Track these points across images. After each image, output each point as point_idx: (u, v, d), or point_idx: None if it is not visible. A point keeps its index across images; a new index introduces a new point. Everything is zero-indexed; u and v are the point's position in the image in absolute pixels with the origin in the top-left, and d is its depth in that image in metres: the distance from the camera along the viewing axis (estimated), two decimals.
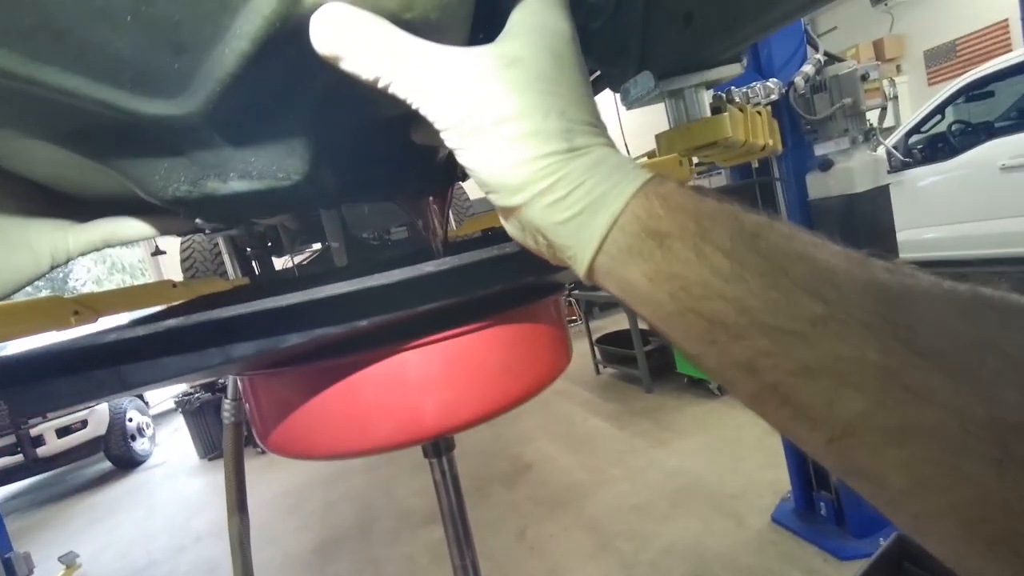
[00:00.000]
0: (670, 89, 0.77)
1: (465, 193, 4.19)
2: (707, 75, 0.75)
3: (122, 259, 14.47)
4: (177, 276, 3.48)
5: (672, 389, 4.56)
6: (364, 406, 0.46)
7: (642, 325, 5.02)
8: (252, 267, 4.16)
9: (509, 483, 3.61)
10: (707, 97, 0.79)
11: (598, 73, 1.60)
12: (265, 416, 0.51)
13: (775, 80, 1.86)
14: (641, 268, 0.28)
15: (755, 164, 2.10)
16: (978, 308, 0.22)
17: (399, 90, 0.32)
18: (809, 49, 1.89)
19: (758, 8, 0.62)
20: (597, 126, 0.33)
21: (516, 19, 0.34)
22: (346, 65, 0.32)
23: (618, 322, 6.18)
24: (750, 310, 0.25)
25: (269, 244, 4.01)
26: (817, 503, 2.37)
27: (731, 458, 3.23)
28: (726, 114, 0.81)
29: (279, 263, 4.26)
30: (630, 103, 0.81)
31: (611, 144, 0.33)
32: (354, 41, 0.31)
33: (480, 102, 0.31)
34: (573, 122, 0.31)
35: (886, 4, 7.49)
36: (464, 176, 3.15)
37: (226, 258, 3.09)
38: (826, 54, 1.84)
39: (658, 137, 0.83)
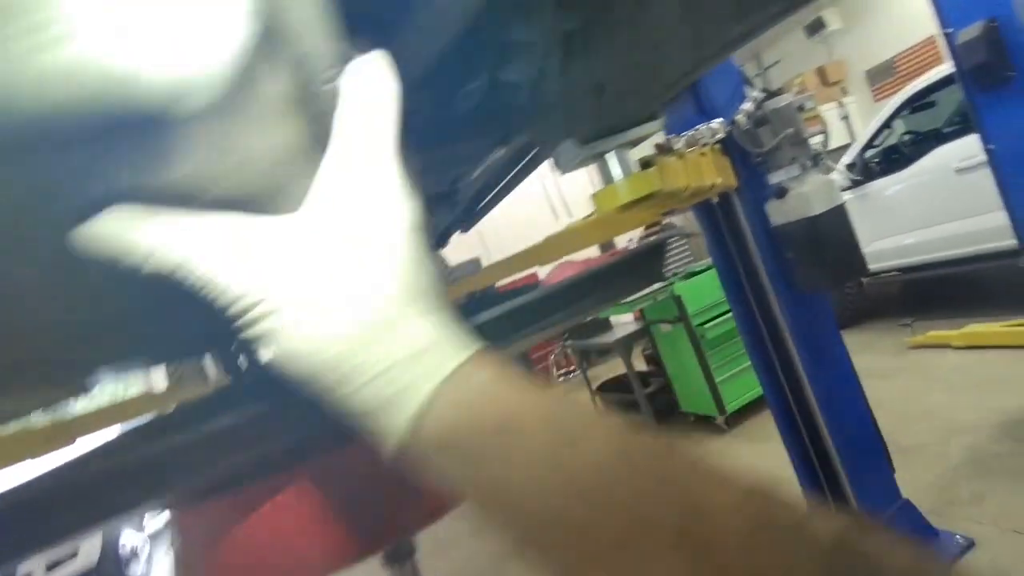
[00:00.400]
0: (593, 153, 0.80)
1: (444, 261, 4.25)
2: (627, 136, 0.78)
3: None
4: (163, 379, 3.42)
5: (679, 428, 4.44)
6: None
7: (639, 367, 4.97)
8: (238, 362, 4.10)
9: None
10: (631, 156, 0.81)
11: (535, 151, 1.66)
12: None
13: (719, 120, 1.94)
14: (445, 467, 0.27)
15: (715, 199, 2.15)
16: (761, 529, 0.23)
17: (192, 277, 0.27)
18: (747, 88, 1.99)
19: (658, 75, 0.65)
20: (418, 299, 0.29)
21: (328, 176, 0.30)
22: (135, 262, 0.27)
23: (615, 367, 6.12)
24: (553, 528, 0.25)
25: None
26: None
27: None
28: (653, 168, 0.84)
29: None
30: (562, 169, 0.84)
31: (437, 314, 0.29)
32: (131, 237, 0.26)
33: (279, 283, 0.27)
34: (388, 297, 0.28)
35: (820, 35, 8.00)
36: (441, 244, 3.13)
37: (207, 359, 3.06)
38: (764, 90, 1.94)
39: (593, 197, 0.85)
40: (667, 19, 0.61)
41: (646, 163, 0.94)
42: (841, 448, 2.15)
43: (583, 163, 0.83)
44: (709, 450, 3.86)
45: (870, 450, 2.24)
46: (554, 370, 7.52)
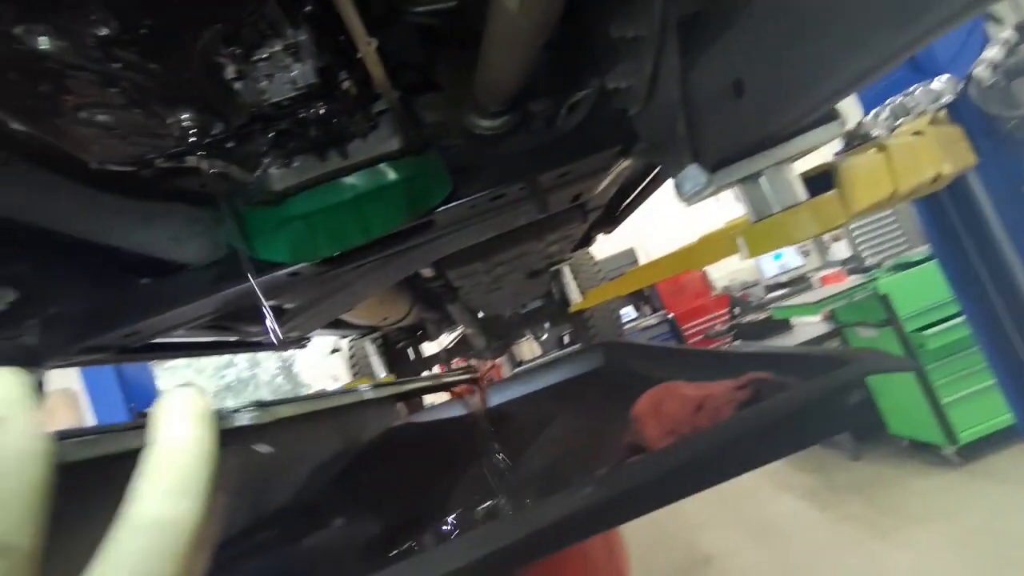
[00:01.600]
0: (737, 178, 0.57)
1: (591, 257, 4.06)
2: (785, 150, 0.54)
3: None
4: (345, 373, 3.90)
5: (887, 455, 3.62)
6: None
7: None
8: (406, 355, 4.50)
9: None
10: (795, 174, 0.56)
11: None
12: None
13: (945, 77, 1.43)
14: None
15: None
16: None
17: None
18: (989, 26, 1.42)
19: (830, 66, 0.41)
20: None
21: None
22: None
23: None
24: None
25: (419, 333, 4.33)
26: None
27: (989, 558, 2.35)
28: (833, 193, 0.57)
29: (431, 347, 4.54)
30: (686, 199, 0.62)
31: None
32: None
33: None
34: None
35: None
36: (584, 245, 3.00)
37: (373, 359, 3.38)
38: (1019, 27, 1.36)
39: (739, 240, 0.61)
40: None
41: (821, 173, 0.67)
42: None
43: (719, 191, 0.60)
44: (934, 487, 3.05)
45: None
46: None
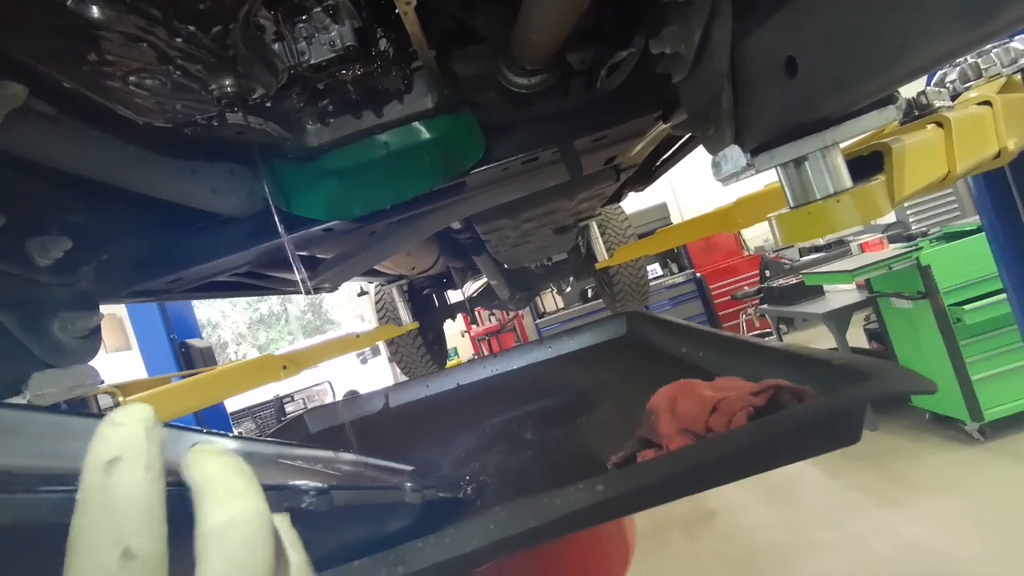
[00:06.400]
0: (780, 162, 0.54)
1: (622, 212, 3.98)
2: (833, 134, 0.51)
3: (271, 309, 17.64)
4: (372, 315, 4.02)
5: (906, 427, 3.60)
6: None
7: (855, 342, 4.12)
8: (432, 302, 4.59)
9: (689, 532, 3.25)
10: (841, 159, 0.54)
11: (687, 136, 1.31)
12: None
13: None
14: None
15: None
16: None
17: None
18: None
19: (900, 50, 0.38)
20: None
21: None
22: None
23: (821, 336, 5.18)
24: None
25: (444, 281, 4.39)
26: None
27: (1000, 536, 2.37)
28: (879, 180, 0.54)
29: (455, 295, 4.61)
30: (722, 179, 0.60)
31: None
32: None
33: None
34: None
35: None
36: (614, 200, 2.94)
37: (399, 305, 3.46)
38: None
39: (773, 221, 0.60)
40: None
41: (871, 152, 0.63)
42: None
43: (759, 172, 0.58)
44: (951, 461, 3.05)
45: None
46: (744, 330, 6.76)
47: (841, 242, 6.36)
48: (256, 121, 0.69)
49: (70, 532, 0.22)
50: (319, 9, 0.52)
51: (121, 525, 0.22)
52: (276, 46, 0.54)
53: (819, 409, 0.40)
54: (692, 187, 7.87)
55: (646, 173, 2.05)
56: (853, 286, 3.93)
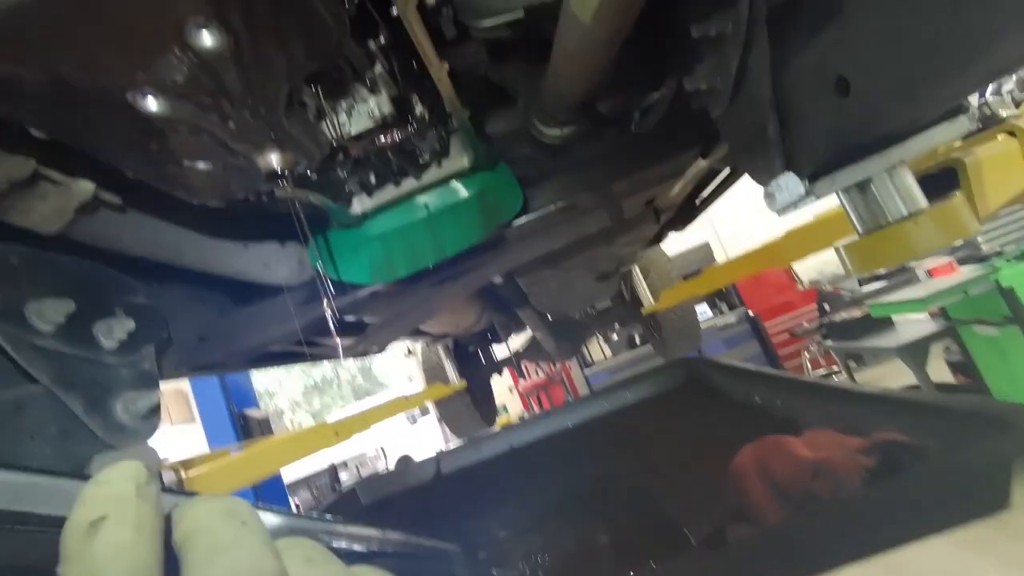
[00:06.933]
0: (842, 186, 0.51)
1: (664, 254, 3.90)
2: (899, 152, 0.47)
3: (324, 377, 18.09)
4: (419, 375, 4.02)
5: (1018, 468, 3.19)
6: None
7: (939, 377, 3.76)
8: (478, 358, 4.56)
9: None
10: (911, 178, 0.49)
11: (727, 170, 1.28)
12: None
13: None
14: None
15: None
16: None
17: None
18: None
19: (965, 49, 0.35)
20: None
21: None
22: None
23: (898, 373, 4.75)
24: None
25: (489, 336, 4.37)
26: None
27: None
28: (958, 197, 0.49)
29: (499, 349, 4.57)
30: (779, 210, 0.57)
31: None
32: None
33: None
34: None
35: None
36: (655, 242, 2.89)
37: (445, 363, 3.45)
38: None
39: (842, 250, 0.55)
40: None
41: (941, 170, 0.58)
42: None
43: (817, 198, 0.54)
44: None
45: None
46: (808, 369, 6.33)
47: (904, 269, 5.97)
48: (302, 194, 0.71)
49: None
50: (358, 83, 0.54)
51: None
52: (318, 120, 0.57)
53: (956, 469, 0.34)
54: (733, 223, 7.70)
55: (687, 211, 2.02)
56: (926, 315, 3.64)
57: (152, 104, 0.40)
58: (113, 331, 0.67)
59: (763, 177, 0.63)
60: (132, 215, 0.60)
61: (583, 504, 0.84)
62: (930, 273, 4.12)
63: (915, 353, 3.40)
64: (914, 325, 3.79)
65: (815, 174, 0.52)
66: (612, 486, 0.89)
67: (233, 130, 0.46)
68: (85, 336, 0.65)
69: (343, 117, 0.58)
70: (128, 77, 0.37)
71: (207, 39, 0.36)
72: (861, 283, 6.57)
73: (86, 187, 0.56)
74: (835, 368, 5.95)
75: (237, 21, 0.36)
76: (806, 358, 6.39)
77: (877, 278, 6.36)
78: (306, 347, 1.39)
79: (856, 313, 4.41)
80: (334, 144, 0.60)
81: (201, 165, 0.50)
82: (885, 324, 4.05)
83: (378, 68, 0.55)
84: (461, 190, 0.87)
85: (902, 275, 5.84)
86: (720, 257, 7.57)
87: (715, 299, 7.60)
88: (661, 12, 0.65)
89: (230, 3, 0.35)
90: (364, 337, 1.15)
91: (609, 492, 0.87)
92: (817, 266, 7.71)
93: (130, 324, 0.68)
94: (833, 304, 5.94)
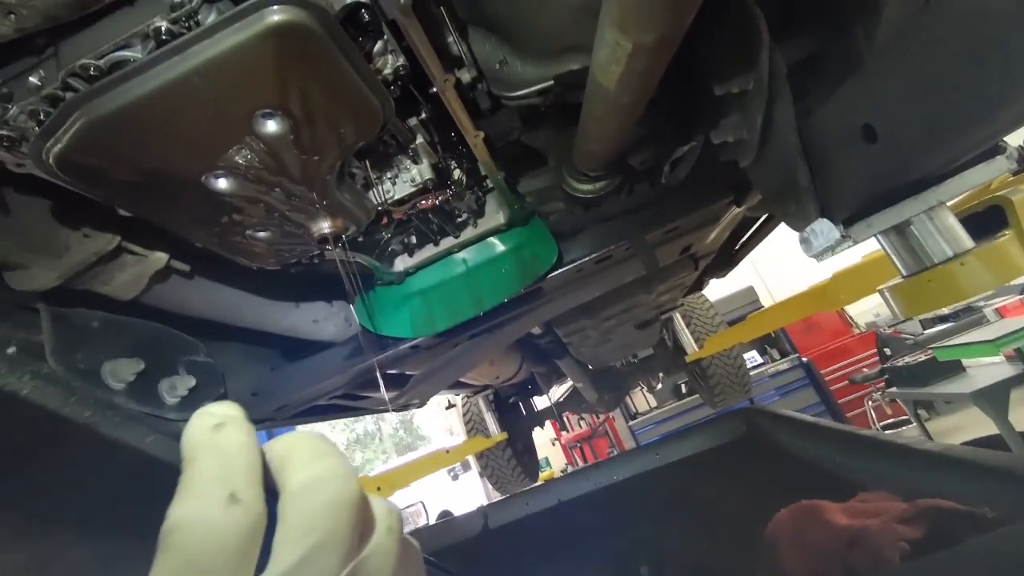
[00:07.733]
0: (879, 229, 0.50)
1: (707, 300, 3.82)
2: (936, 193, 0.47)
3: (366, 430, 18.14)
4: (460, 426, 3.98)
5: None
6: None
7: (1021, 423, 3.43)
8: (519, 410, 4.49)
9: None
10: (953, 218, 0.49)
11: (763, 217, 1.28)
12: None
13: None
14: None
15: None
16: None
17: None
18: None
19: (991, 96, 0.35)
20: None
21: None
22: None
23: (972, 420, 4.35)
24: None
25: (529, 388, 4.32)
26: None
27: None
28: (1007, 236, 0.48)
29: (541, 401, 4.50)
30: (815, 256, 0.56)
31: None
32: None
33: None
34: None
35: None
36: (697, 288, 2.84)
37: (486, 415, 3.42)
38: None
39: (887, 294, 0.54)
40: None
41: (986, 208, 0.57)
42: None
43: (854, 243, 0.54)
44: None
45: None
46: (873, 420, 5.88)
47: (971, 309, 5.59)
48: (350, 256, 0.76)
49: (180, 479, 0.24)
50: (401, 154, 0.59)
51: (229, 474, 0.25)
52: (366, 189, 0.62)
53: (1005, 541, 0.30)
54: (778, 266, 7.49)
55: (726, 258, 1.99)
56: (1001, 358, 3.37)
57: (223, 184, 0.45)
58: (176, 388, 0.72)
59: (798, 223, 0.63)
60: (198, 280, 0.65)
61: (628, 568, 0.80)
62: (1000, 312, 3.84)
63: (994, 399, 3.13)
64: (988, 369, 3.50)
65: (850, 219, 0.51)
66: (657, 548, 0.85)
67: (291, 202, 0.51)
68: (151, 394, 0.70)
69: (388, 185, 0.63)
70: (205, 164, 0.42)
71: (272, 126, 0.41)
72: (924, 325, 6.17)
73: (160, 257, 0.62)
74: (904, 418, 5.52)
75: (297, 109, 0.41)
76: (870, 407, 5.96)
77: (942, 320, 5.95)
78: (350, 401, 1.42)
79: (921, 357, 4.12)
80: (379, 209, 0.64)
81: (261, 234, 0.55)
82: (954, 368, 3.76)
83: (419, 139, 0.60)
84: (498, 245, 0.90)
85: (969, 315, 5.45)
86: (766, 301, 7.32)
87: (765, 345, 7.29)
88: (684, 73, 0.68)
89: (292, 95, 0.40)
90: (406, 390, 1.17)
91: (653, 555, 0.83)
92: (873, 308, 7.33)
93: (191, 381, 0.73)
94: (894, 348, 5.58)
